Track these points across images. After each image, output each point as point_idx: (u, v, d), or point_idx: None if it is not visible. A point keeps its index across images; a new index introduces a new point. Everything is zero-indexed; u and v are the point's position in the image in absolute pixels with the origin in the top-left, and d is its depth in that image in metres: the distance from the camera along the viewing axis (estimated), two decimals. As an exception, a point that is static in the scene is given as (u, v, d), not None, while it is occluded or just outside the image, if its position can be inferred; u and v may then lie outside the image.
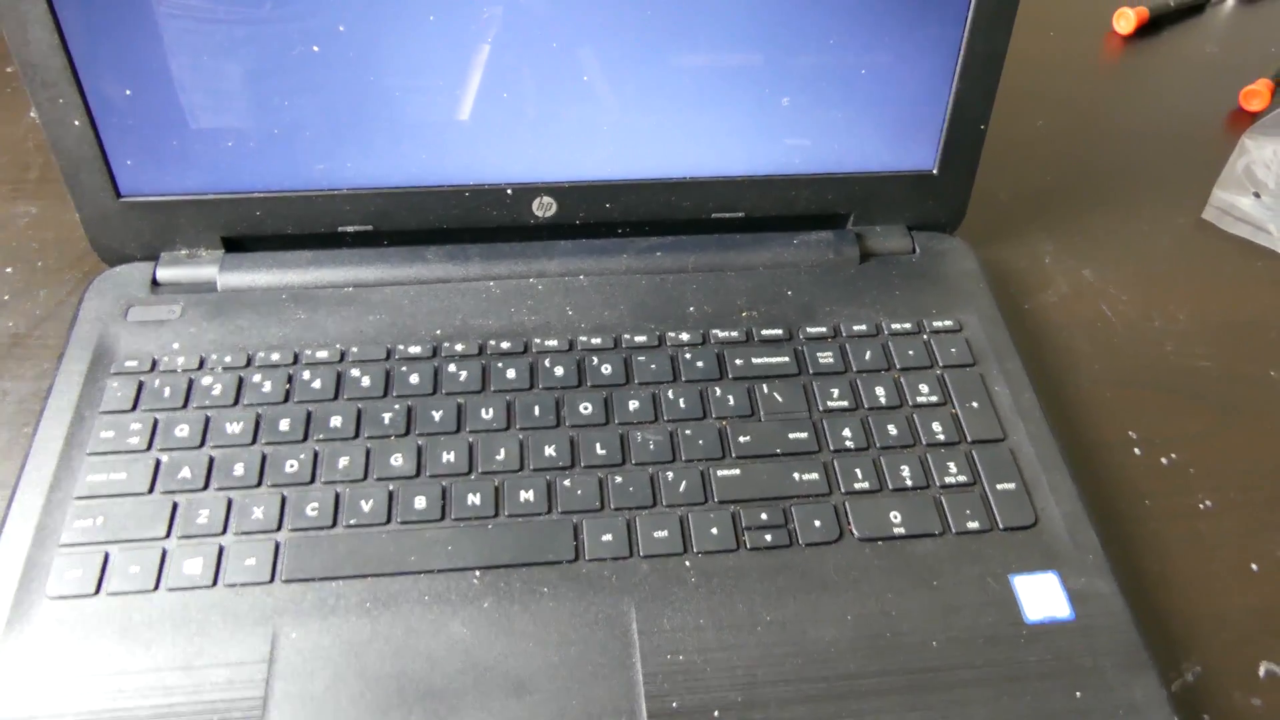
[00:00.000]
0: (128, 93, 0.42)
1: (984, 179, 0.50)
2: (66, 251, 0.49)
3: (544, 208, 0.47)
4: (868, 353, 0.45)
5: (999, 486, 0.40)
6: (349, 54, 0.42)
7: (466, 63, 0.43)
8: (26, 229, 0.50)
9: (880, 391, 0.43)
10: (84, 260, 0.48)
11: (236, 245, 0.47)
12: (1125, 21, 0.70)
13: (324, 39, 0.41)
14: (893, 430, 0.42)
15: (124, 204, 0.45)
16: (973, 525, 0.39)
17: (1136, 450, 0.44)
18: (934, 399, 0.43)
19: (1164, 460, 0.44)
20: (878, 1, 0.44)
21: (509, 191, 0.46)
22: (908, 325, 0.46)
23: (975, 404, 0.43)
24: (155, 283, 0.46)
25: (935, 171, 0.49)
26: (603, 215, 0.48)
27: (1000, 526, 0.39)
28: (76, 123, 0.42)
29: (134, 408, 0.41)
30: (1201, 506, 0.42)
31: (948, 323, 0.46)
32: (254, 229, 0.46)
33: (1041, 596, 0.37)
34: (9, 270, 0.48)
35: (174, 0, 0.40)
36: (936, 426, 0.42)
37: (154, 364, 0.43)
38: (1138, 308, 0.51)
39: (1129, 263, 0.53)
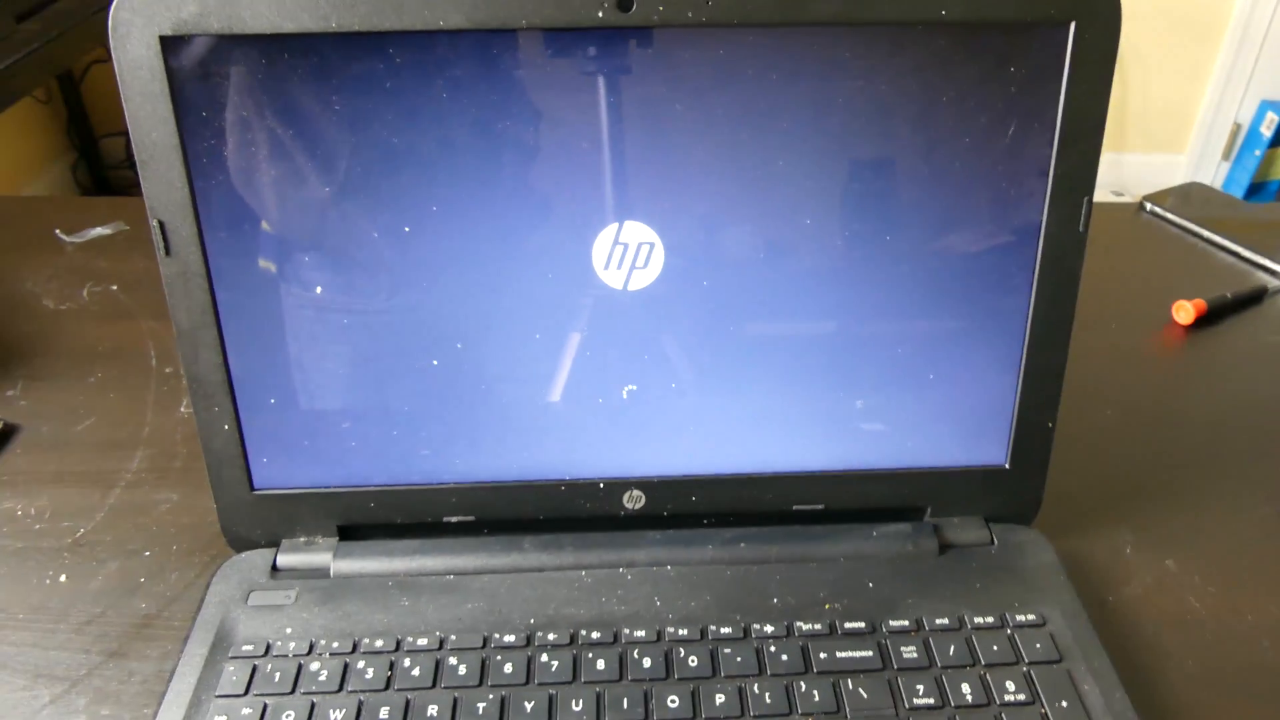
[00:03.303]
0: (272, 401, 0.48)
1: (1058, 470, 0.52)
2: (199, 536, 0.54)
3: (634, 500, 0.50)
4: (952, 647, 0.45)
5: (1096, 796, 0.39)
6: (464, 370, 0.48)
7: (565, 374, 0.48)
8: (166, 514, 0.55)
9: (966, 689, 0.43)
10: (213, 544, 0.52)
11: (350, 533, 0.51)
12: (1184, 313, 0.74)
13: (444, 356, 0.47)
14: (981, 732, 0.42)
15: (256, 496, 0.50)
16: (1072, 840, 0.38)
17: (1242, 758, 0.43)
18: (1022, 697, 0.43)
19: (1273, 770, 0.42)
20: (943, 311, 0.48)
21: (601, 485, 0.50)
22: (990, 619, 0.47)
23: (1065, 704, 0.43)
24: (275, 568, 0.50)
25: (1007, 466, 0.51)
26: (689, 508, 0.51)
27: (1101, 842, 0.38)
28: (226, 426, 0.48)
29: (246, 692, 0.44)
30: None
31: (1031, 617, 0.47)
32: (367, 519, 0.50)
33: None
34: (147, 553, 0.53)
35: (319, 335, 0.46)
36: (1026, 729, 0.42)
37: (268, 648, 0.46)
38: (1227, 602, 0.50)
39: (1213, 554, 0.53)
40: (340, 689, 0.44)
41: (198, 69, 0.42)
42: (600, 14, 0.42)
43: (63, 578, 0.51)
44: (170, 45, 0.41)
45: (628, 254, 0.46)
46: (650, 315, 0.47)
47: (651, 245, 0.46)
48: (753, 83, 0.44)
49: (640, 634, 0.46)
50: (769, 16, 0.42)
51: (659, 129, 0.44)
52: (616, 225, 0.45)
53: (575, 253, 0.46)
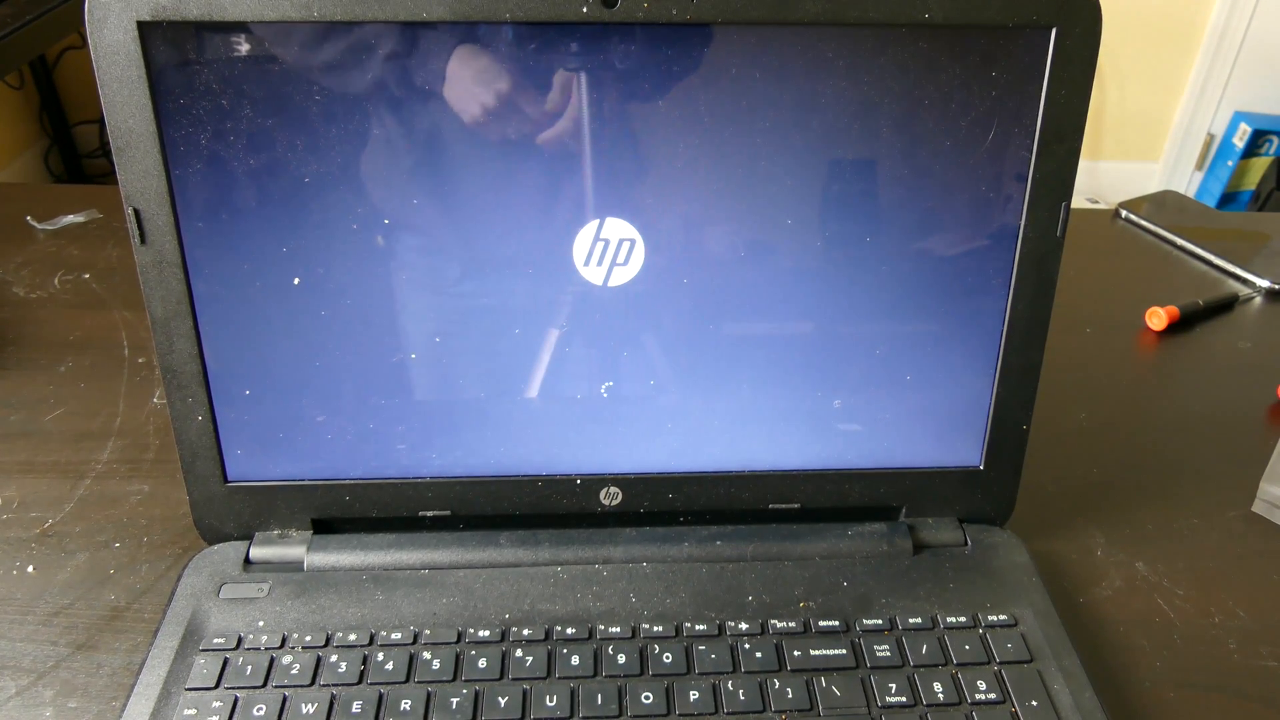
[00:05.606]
0: (247, 393, 0.47)
1: (1031, 471, 0.52)
2: (170, 528, 0.53)
3: (610, 497, 0.50)
4: (924, 647, 0.46)
5: (1065, 795, 0.40)
6: (442, 364, 0.47)
7: (544, 369, 0.48)
8: (137, 506, 0.55)
9: (938, 688, 0.44)
10: (185, 536, 0.52)
11: (325, 526, 0.51)
12: (1157, 319, 0.74)
13: (421, 349, 0.47)
14: (952, 730, 0.42)
15: (230, 488, 0.49)
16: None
17: (1207, 758, 0.43)
18: (993, 697, 0.43)
19: (1237, 770, 0.43)
20: (921, 313, 0.48)
21: (578, 481, 0.50)
22: (963, 619, 0.47)
23: (1035, 703, 0.43)
24: (248, 561, 0.50)
25: (982, 467, 0.51)
26: (665, 505, 0.51)
27: (1069, 840, 0.38)
28: (200, 417, 0.47)
29: (217, 685, 0.43)
30: (1282, 823, 0.40)
31: (1003, 617, 0.47)
32: (342, 512, 0.50)
33: None
34: (117, 545, 0.52)
35: (296, 326, 0.46)
36: (997, 727, 0.42)
37: (239, 641, 0.45)
38: (1195, 603, 0.51)
39: (1182, 556, 0.54)
40: (312, 683, 0.44)
41: (176, 55, 0.41)
42: (585, 9, 0.41)
43: (30, 568, 0.51)
44: (148, 31, 0.41)
45: (608, 250, 0.46)
46: (630, 312, 0.47)
47: (632, 242, 0.46)
48: (736, 82, 0.44)
49: (615, 630, 0.46)
50: (753, 15, 0.42)
51: (641, 126, 0.44)
52: (598, 221, 0.45)
53: (556, 248, 0.46)
